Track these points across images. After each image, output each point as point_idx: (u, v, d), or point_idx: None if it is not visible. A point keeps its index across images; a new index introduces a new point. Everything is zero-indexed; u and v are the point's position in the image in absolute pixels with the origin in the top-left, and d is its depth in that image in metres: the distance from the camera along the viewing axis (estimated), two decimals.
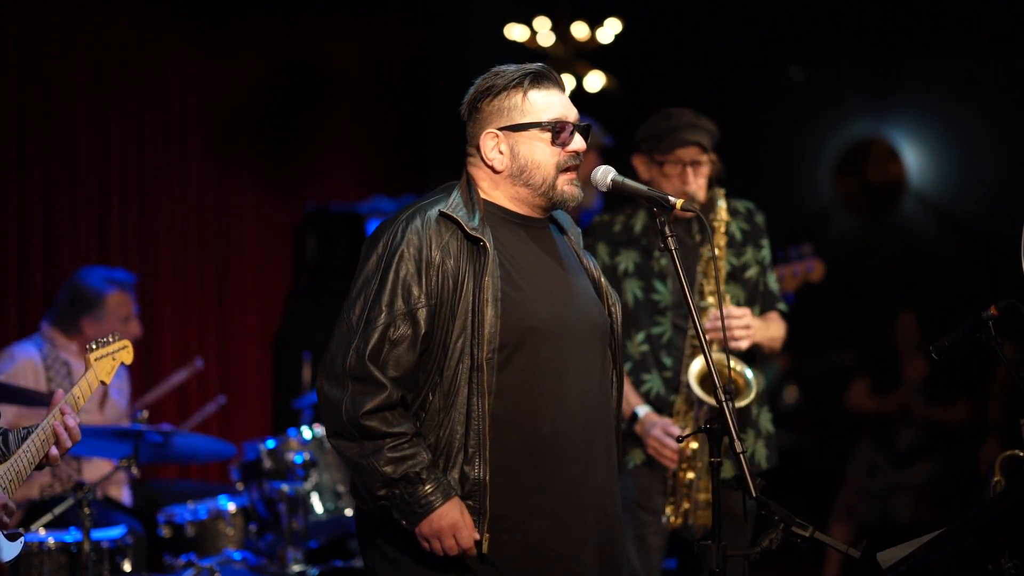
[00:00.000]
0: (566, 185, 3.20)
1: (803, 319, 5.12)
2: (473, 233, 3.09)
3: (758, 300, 4.28)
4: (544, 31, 8.20)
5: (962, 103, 8.30)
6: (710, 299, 4.12)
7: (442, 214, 3.12)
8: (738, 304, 4.20)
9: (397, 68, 8.55)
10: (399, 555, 3.13)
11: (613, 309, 3.32)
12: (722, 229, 4.18)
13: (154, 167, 7.04)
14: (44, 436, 3.17)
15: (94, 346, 3.47)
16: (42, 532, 4.54)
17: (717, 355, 4.00)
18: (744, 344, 4.06)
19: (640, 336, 4.21)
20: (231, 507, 5.48)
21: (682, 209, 3.08)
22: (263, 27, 7.75)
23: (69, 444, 3.21)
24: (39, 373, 5.32)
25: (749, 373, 4.07)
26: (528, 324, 3.10)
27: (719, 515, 2.98)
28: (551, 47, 8.17)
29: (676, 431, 4.08)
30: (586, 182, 3.29)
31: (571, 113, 3.20)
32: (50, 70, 6.45)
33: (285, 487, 5.32)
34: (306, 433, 5.57)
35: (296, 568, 5.28)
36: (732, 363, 4.00)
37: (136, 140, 6.95)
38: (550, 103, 3.18)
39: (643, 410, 4.15)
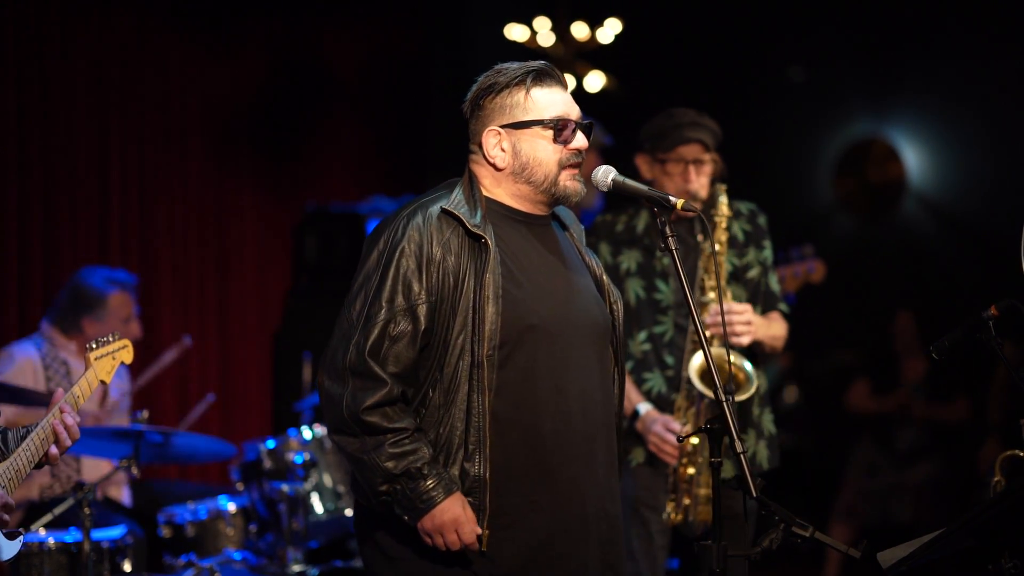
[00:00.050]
0: (568, 180, 3.19)
1: (803, 319, 5.11)
2: (475, 230, 3.09)
3: (760, 301, 4.27)
4: (544, 31, 8.20)
5: (962, 103, 8.29)
6: (711, 295, 4.11)
7: (444, 211, 3.12)
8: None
9: (397, 68, 8.54)
10: (397, 552, 3.13)
11: (615, 306, 3.32)
12: (723, 224, 4.17)
13: (154, 167, 7.03)
14: (43, 435, 3.17)
15: (94, 345, 3.46)
16: (42, 532, 4.53)
17: (717, 351, 4.00)
18: (745, 340, 4.05)
19: (642, 335, 4.20)
20: (231, 507, 5.47)
21: (683, 209, 3.07)
22: (263, 27, 7.75)
23: (68, 443, 3.20)
24: (38, 373, 5.32)
25: (749, 366, 4.06)
26: (529, 321, 3.10)
27: (719, 516, 2.97)
28: (551, 47, 8.16)
29: (677, 427, 4.07)
30: (586, 182, 3.28)
31: (573, 111, 3.20)
32: (50, 70, 6.45)
33: (285, 487, 5.32)
34: (306, 433, 5.56)
35: (296, 568, 5.28)
36: (732, 357, 4.00)
37: (136, 140, 6.94)
38: (552, 101, 3.18)
39: (644, 407, 4.15)
